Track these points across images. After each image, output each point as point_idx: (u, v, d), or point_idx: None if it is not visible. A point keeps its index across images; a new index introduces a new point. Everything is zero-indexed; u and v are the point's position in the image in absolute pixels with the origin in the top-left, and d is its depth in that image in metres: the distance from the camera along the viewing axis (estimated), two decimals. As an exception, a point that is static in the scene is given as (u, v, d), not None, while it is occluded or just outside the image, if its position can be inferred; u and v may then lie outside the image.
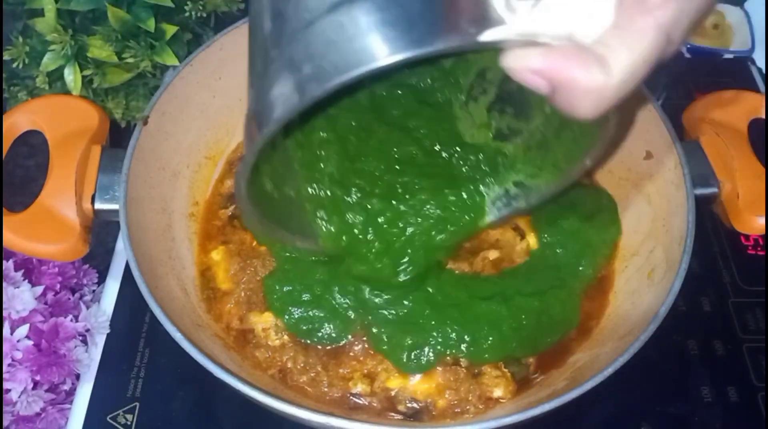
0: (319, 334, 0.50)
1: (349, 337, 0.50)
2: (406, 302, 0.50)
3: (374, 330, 0.49)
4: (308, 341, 0.50)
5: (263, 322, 0.51)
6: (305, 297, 0.51)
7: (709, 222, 0.63)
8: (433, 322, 0.49)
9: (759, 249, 0.64)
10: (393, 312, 0.50)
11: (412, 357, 0.49)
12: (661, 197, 0.54)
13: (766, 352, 0.57)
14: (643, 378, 0.55)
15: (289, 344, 0.50)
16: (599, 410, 0.54)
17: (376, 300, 0.50)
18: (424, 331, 0.49)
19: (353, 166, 0.50)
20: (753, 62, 0.81)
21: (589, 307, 0.53)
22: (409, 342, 0.49)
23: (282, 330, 0.51)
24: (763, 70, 0.80)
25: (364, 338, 0.50)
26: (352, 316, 0.50)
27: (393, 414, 0.48)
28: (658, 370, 0.56)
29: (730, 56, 0.81)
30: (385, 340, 0.49)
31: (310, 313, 0.51)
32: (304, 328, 0.50)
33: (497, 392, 0.48)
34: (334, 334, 0.50)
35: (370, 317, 0.50)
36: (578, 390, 0.41)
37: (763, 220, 0.51)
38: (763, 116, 0.56)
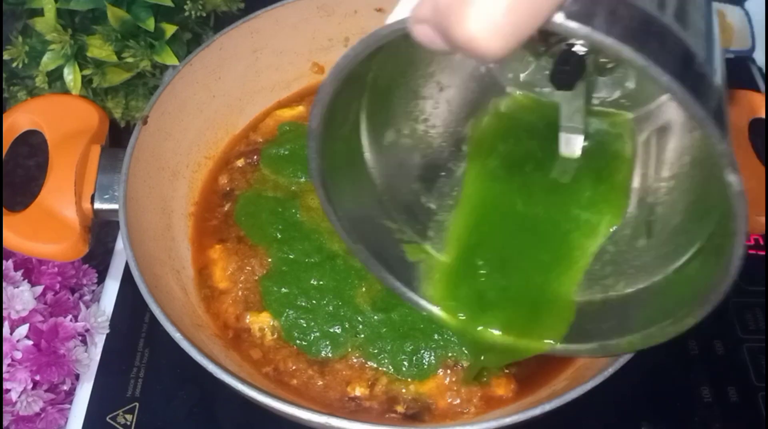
0: (313, 351, 0.50)
1: (346, 351, 0.50)
2: (397, 316, 0.49)
3: (371, 349, 0.49)
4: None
5: (260, 322, 0.51)
6: (301, 302, 0.51)
7: (710, 222, 0.63)
8: (433, 325, 0.49)
9: (759, 249, 0.64)
10: (386, 328, 0.49)
11: (414, 362, 0.48)
12: (662, 197, 0.54)
13: (767, 352, 0.57)
14: (643, 378, 0.55)
15: (286, 347, 0.50)
16: (599, 410, 0.53)
17: (374, 318, 0.50)
18: (425, 335, 0.49)
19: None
20: (753, 62, 0.80)
21: (589, 307, 0.53)
22: (410, 348, 0.49)
23: (278, 330, 0.51)
24: (764, 70, 0.80)
25: (362, 358, 0.50)
26: (345, 340, 0.50)
27: (393, 414, 0.48)
28: (658, 370, 0.56)
29: (731, 56, 0.81)
30: (385, 354, 0.49)
31: (303, 322, 0.50)
32: (299, 342, 0.50)
33: (498, 392, 0.48)
34: (330, 355, 0.50)
35: (362, 336, 0.50)
36: (578, 390, 0.41)
37: (763, 220, 0.51)
38: (764, 116, 0.56)
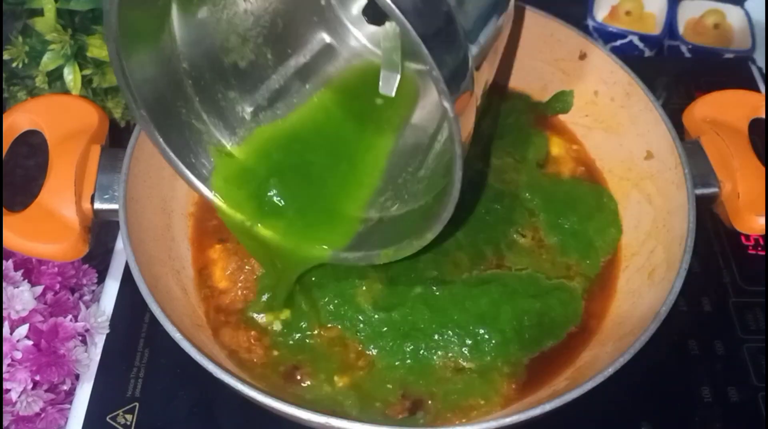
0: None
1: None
2: (398, 315, 0.50)
3: (371, 348, 0.49)
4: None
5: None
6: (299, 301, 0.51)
7: (710, 222, 0.63)
8: (434, 326, 0.49)
9: (759, 249, 0.64)
10: (386, 328, 0.50)
11: (413, 361, 0.48)
12: (662, 197, 0.54)
13: (767, 352, 0.57)
14: (643, 378, 0.55)
15: (284, 347, 0.50)
16: (599, 410, 0.53)
17: (375, 317, 0.50)
18: (425, 336, 0.49)
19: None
20: (753, 62, 0.80)
21: (590, 308, 0.53)
22: (410, 348, 0.49)
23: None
24: (764, 70, 0.80)
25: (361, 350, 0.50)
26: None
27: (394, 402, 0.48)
28: (658, 370, 0.56)
29: (731, 56, 0.81)
30: (384, 353, 0.49)
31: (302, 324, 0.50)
32: (293, 344, 0.50)
33: (498, 393, 0.48)
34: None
35: (363, 335, 0.50)
36: (579, 390, 0.41)
37: (763, 220, 0.51)
38: (764, 116, 0.56)
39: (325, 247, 0.48)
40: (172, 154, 0.48)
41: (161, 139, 0.47)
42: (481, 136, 0.60)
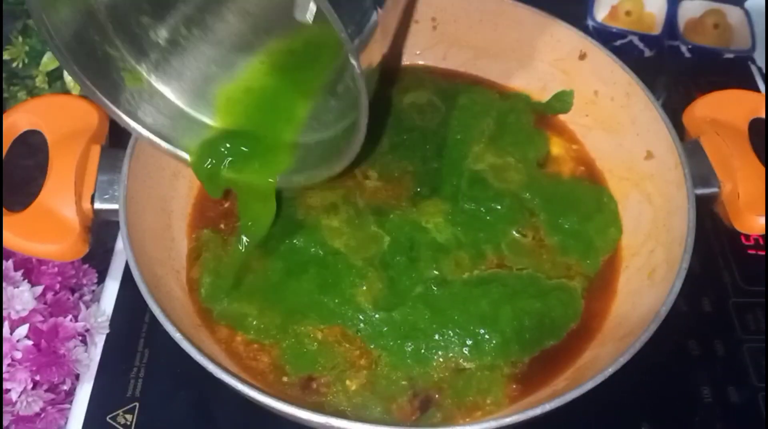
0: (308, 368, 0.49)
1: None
2: (398, 315, 0.50)
3: (372, 347, 0.49)
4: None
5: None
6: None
7: (710, 222, 0.62)
8: (434, 326, 0.49)
9: (759, 249, 0.64)
10: (387, 327, 0.49)
11: (414, 361, 0.48)
12: (662, 197, 0.54)
13: (767, 353, 0.57)
14: (643, 378, 0.55)
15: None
16: (599, 410, 0.53)
17: (375, 316, 0.50)
18: (426, 336, 0.49)
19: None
20: (753, 62, 0.80)
21: (590, 308, 0.53)
22: (410, 348, 0.49)
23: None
24: (764, 70, 0.80)
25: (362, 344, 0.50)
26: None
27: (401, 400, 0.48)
28: (658, 370, 0.56)
29: (731, 56, 0.81)
30: (385, 353, 0.49)
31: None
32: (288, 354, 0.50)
33: (498, 393, 0.48)
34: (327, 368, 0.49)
35: (363, 335, 0.49)
36: (579, 390, 0.41)
37: (763, 220, 0.51)
38: (764, 116, 0.56)
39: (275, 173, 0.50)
40: (96, 91, 0.48)
41: (81, 73, 0.47)
42: (481, 134, 0.60)
